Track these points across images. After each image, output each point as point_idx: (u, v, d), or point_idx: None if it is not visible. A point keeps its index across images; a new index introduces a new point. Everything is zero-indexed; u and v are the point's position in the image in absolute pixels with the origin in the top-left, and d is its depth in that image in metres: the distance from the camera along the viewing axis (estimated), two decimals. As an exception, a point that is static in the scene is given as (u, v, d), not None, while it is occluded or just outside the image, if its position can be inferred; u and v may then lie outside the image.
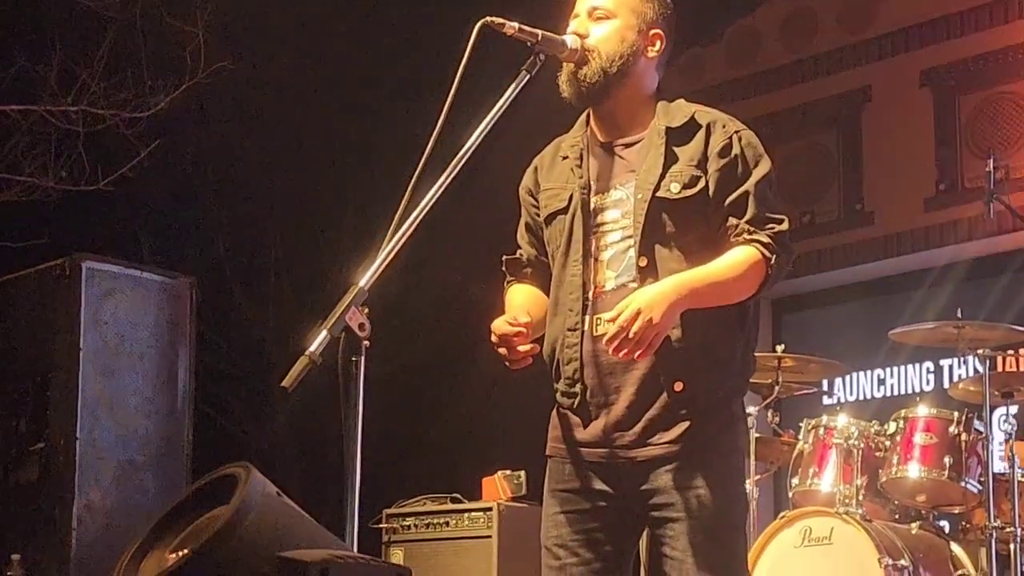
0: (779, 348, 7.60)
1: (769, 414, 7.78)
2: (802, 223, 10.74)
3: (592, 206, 4.07)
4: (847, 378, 10.42)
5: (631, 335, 3.75)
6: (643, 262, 3.97)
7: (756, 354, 7.65)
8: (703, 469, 3.93)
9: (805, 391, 8.07)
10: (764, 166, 4.06)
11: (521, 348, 3.92)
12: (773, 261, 3.94)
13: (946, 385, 9.18)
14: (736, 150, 4.03)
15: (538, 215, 4.22)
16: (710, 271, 3.91)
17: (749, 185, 4.00)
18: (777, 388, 7.59)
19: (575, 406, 4.05)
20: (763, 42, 11.32)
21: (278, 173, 11.78)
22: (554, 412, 4.16)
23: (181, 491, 5.60)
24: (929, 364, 10.26)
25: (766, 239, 3.94)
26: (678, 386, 3.93)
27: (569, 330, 4.04)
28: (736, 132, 4.08)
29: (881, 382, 10.50)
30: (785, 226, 3.99)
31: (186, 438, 7.97)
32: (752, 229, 3.96)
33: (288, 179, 11.80)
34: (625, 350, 3.78)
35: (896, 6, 10.58)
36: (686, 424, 3.94)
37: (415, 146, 3.70)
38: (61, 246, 8.67)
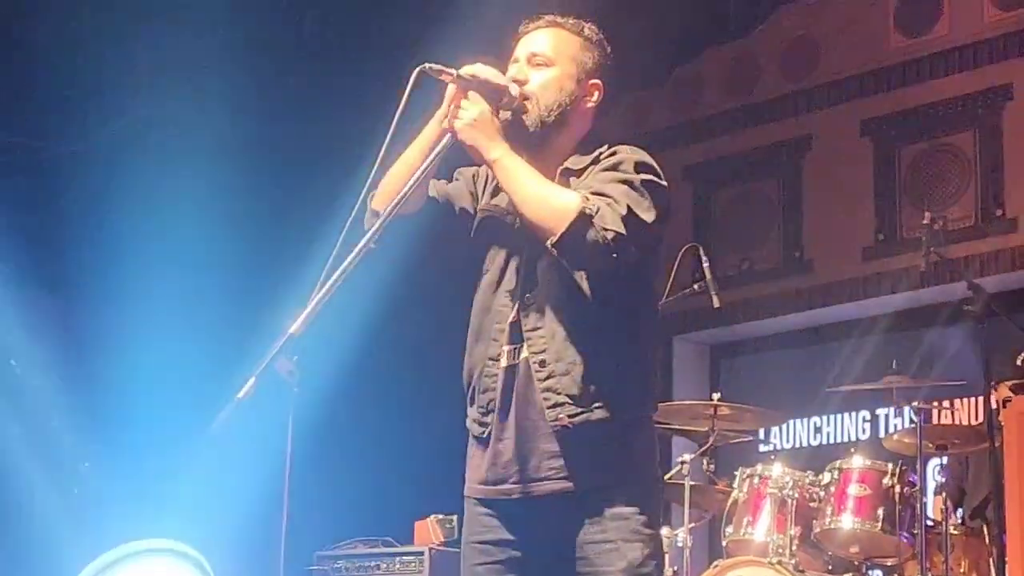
0: (715, 396, 7.60)
1: (704, 462, 7.78)
2: (741, 270, 10.77)
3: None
4: (783, 426, 10.44)
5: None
6: (529, 299, 3.96)
7: (692, 402, 7.76)
8: (605, 513, 3.87)
9: (741, 439, 8.07)
10: (624, 163, 3.94)
11: None
12: (590, 211, 3.75)
13: (881, 434, 9.21)
14: (610, 161, 3.96)
15: (467, 201, 4.15)
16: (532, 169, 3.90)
17: (603, 174, 3.93)
18: (712, 436, 7.58)
19: (484, 435, 4.01)
20: (706, 88, 11.36)
21: (214, 212, 11.68)
22: (469, 445, 4.11)
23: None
24: (865, 413, 10.30)
25: (593, 197, 3.81)
26: (563, 419, 3.88)
27: (491, 359, 4.00)
28: (611, 147, 4.02)
29: (817, 430, 10.54)
30: (623, 208, 3.79)
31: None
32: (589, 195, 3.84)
33: (223, 218, 11.70)
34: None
35: (838, 55, 10.64)
36: (583, 461, 3.88)
37: (349, 188, 3.67)
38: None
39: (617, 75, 4.19)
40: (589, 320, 3.93)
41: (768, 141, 10.97)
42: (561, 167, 4.02)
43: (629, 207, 3.80)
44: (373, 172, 3.70)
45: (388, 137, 3.72)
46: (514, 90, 3.99)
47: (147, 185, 11.11)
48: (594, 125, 4.15)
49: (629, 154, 3.97)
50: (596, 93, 4.12)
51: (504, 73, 4.01)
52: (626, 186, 3.85)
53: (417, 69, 3.79)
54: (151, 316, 9.72)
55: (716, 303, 7.59)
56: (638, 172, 3.91)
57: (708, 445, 7.60)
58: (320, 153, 11.02)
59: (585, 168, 4.00)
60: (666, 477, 7.40)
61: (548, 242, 3.79)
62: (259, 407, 3.43)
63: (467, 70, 3.89)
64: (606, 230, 3.74)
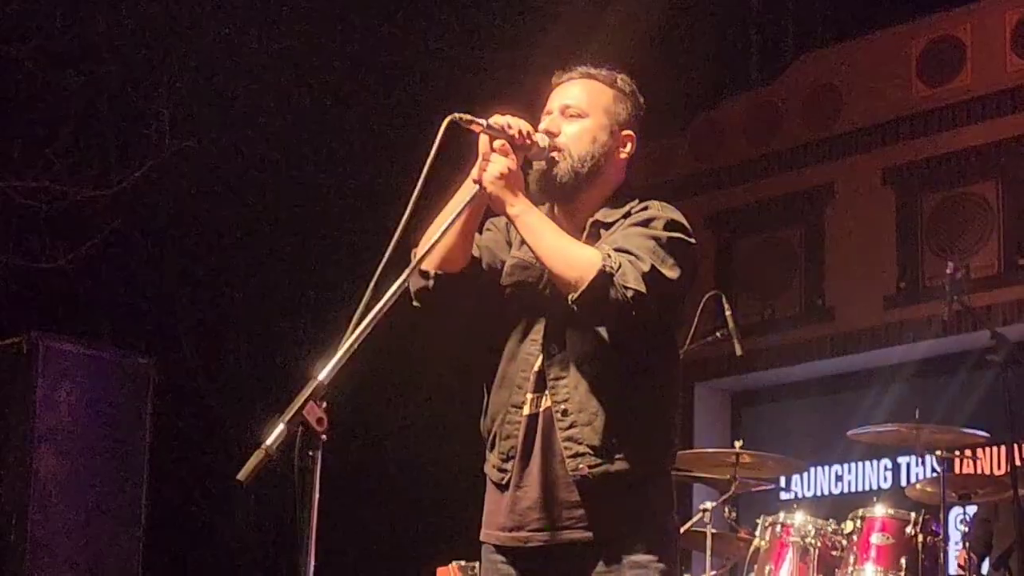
0: (737, 444, 7.57)
1: (726, 509, 7.73)
2: (763, 318, 10.76)
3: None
4: (805, 474, 10.41)
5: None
6: (554, 349, 3.96)
7: (714, 450, 7.73)
8: (624, 561, 3.87)
9: (762, 487, 8.04)
10: (655, 223, 3.94)
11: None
12: (611, 266, 3.76)
13: (903, 483, 9.18)
14: (640, 217, 3.96)
15: (506, 252, 4.14)
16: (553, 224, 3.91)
17: (632, 228, 3.93)
18: (735, 484, 7.55)
19: (504, 482, 4.00)
20: (727, 136, 11.38)
21: (241, 255, 11.74)
22: (487, 491, 4.11)
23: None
24: (887, 462, 10.26)
25: (615, 254, 3.81)
26: (584, 470, 3.89)
27: (514, 407, 4.00)
28: (649, 206, 4.00)
29: (839, 479, 10.50)
30: (646, 266, 3.79)
31: (142, 522, 7.89)
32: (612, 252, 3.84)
33: (251, 260, 11.76)
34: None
35: (860, 105, 10.66)
36: (601, 511, 3.89)
37: (379, 235, 3.67)
38: (18, 323, 8.62)
39: (638, 123, 4.18)
40: (612, 372, 3.93)
41: (790, 189, 10.99)
42: (592, 219, 4.02)
43: (653, 265, 3.80)
44: (404, 220, 3.68)
45: (419, 186, 3.71)
46: (544, 141, 3.98)
47: (171, 228, 11.17)
48: (628, 176, 4.16)
49: (659, 211, 3.97)
50: (629, 144, 4.11)
51: (536, 124, 4.02)
52: (653, 242, 3.86)
53: (447, 119, 3.79)
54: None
55: (739, 351, 7.58)
56: (666, 230, 3.90)
57: (730, 493, 7.55)
58: (351, 200, 11.04)
59: (615, 221, 4.00)
60: (688, 525, 7.38)
61: (569, 298, 3.80)
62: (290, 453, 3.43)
63: (497, 120, 3.89)
64: (626, 288, 3.75)
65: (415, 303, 4.02)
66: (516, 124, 3.90)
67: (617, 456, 3.90)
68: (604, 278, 3.75)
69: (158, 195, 10.93)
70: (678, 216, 3.98)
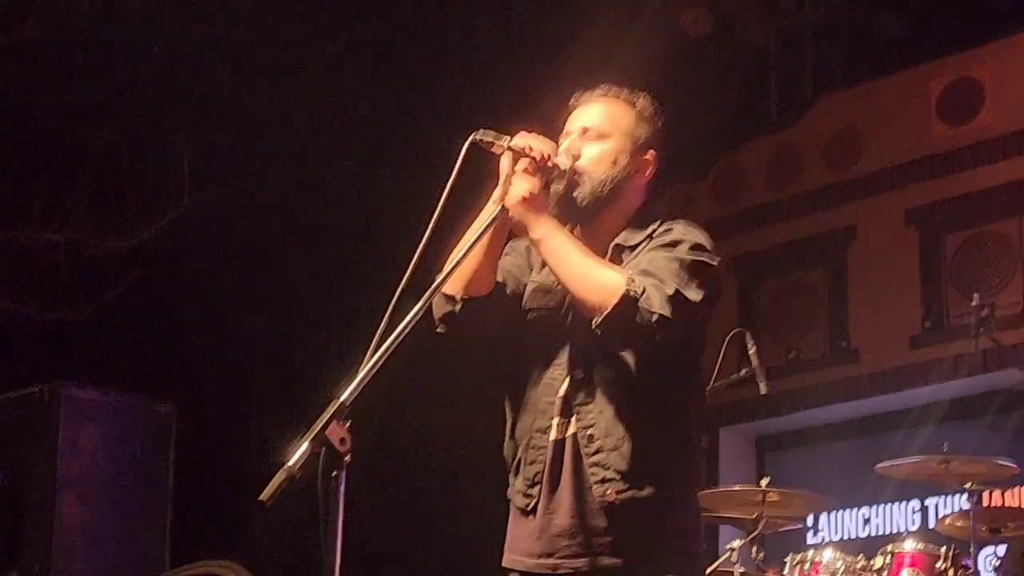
0: (763, 482, 7.50)
1: (753, 550, 7.66)
2: (788, 360, 10.70)
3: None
4: (832, 516, 10.32)
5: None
6: (579, 374, 3.94)
7: (740, 488, 7.67)
8: None
9: (790, 527, 7.97)
10: (681, 245, 3.93)
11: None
12: (635, 291, 3.74)
13: (932, 524, 9.08)
14: (665, 239, 3.95)
15: (527, 275, 4.12)
16: (581, 246, 3.88)
17: (657, 251, 3.92)
18: (762, 523, 7.48)
19: (529, 507, 3.97)
20: (748, 179, 11.36)
21: (262, 300, 11.73)
22: (511, 517, 4.08)
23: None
24: (915, 503, 10.17)
25: (639, 277, 3.80)
26: (611, 496, 3.87)
27: (539, 431, 3.97)
28: (674, 227, 4.01)
29: (866, 521, 10.39)
30: (669, 290, 3.78)
31: (166, 567, 7.86)
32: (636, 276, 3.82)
33: (271, 308, 11.74)
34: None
35: (881, 145, 10.64)
36: (629, 536, 3.87)
37: (399, 267, 3.64)
38: (39, 373, 8.61)
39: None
40: (638, 396, 3.90)
41: (813, 231, 10.95)
42: (614, 242, 4.00)
43: (677, 289, 3.77)
44: (424, 240, 3.65)
45: (440, 206, 3.69)
46: (565, 163, 3.96)
47: (192, 277, 11.17)
48: (648, 198, 4.13)
49: (683, 233, 3.96)
50: (650, 167, 4.10)
51: (557, 144, 4.00)
52: (676, 265, 3.83)
53: (469, 139, 3.77)
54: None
55: (763, 389, 7.53)
56: (691, 252, 3.88)
57: (757, 532, 7.49)
58: (373, 241, 11.02)
59: (639, 244, 3.98)
60: (715, 565, 7.32)
61: (593, 322, 3.78)
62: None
63: (519, 141, 3.87)
64: (651, 312, 3.72)
65: (439, 328, 4.00)
66: (538, 145, 3.88)
67: (644, 481, 3.87)
68: (628, 302, 3.73)
69: (179, 246, 10.92)
70: (702, 237, 3.97)
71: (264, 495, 3.32)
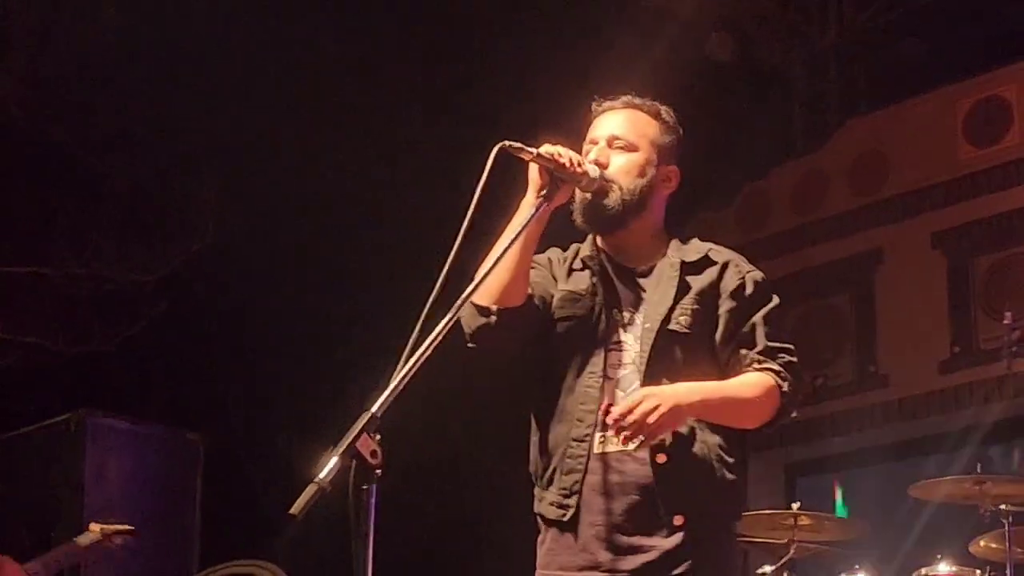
0: (795, 505, 7.44)
1: (784, 574, 7.59)
2: (815, 386, 10.64)
3: (612, 324, 3.98)
4: (864, 541, 10.22)
5: (637, 416, 3.67)
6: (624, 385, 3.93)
7: (771, 511, 7.60)
8: None
9: (821, 550, 7.89)
10: (772, 302, 4.03)
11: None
12: (786, 388, 3.89)
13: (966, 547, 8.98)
14: (748, 289, 4.00)
15: (555, 288, 4.09)
16: (723, 385, 3.87)
17: (758, 318, 3.97)
18: (792, 547, 7.41)
19: (565, 518, 3.92)
20: (774, 206, 11.33)
21: (288, 329, 11.72)
22: (542, 532, 4.03)
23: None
24: (949, 526, 10.05)
25: (778, 367, 3.90)
26: (678, 520, 3.84)
27: (575, 440, 3.92)
28: (748, 272, 4.05)
29: (899, 545, 10.27)
30: (795, 358, 3.95)
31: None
32: (763, 359, 3.91)
33: (295, 337, 11.73)
34: (626, 432, 3.70)
35: (906, 169, 10.59)
36: (682, 557, 3.84)
37: (423, 297, 3.59)
38: (67, 405, 8.60)
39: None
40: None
41: (839, 256, 10.90)
42: (680, 259, 4.02)
43: (791, 361, 3.95)
44: (453, 251, 3.61)
45: (469, 214, 3.66)
46: (594, 172, 3.95)
47: (217, 308, 11.17)
48: (667, 210, 4.14)
49: (762, 281, 4.07)
50: (673, 179, 4.13)
51: (581, 152, 3.98)
52: (773, 327, 3.98)
53: (496, 147, 3.74)
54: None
55: (792, 414, 7.46)
56: (773, 303, 4.02)
57: (788, 556, 7.43)
58: (398, 267, 10.97)
59: (701, 268, 4.02)
60: (747, 590, 7.26)
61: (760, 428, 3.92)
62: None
63: (547, 149, 3.85)
64: (794, 398, 3.93)
65: (470, 344, 3.97)
66: (566, 153, 3.86)
67: (709, 497, 3.87)
68: (783, 410, 3.92)
69: (203, 278, 10.93)
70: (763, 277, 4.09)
71: (295, 508, 3.29)
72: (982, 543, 7.25)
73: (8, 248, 10.21)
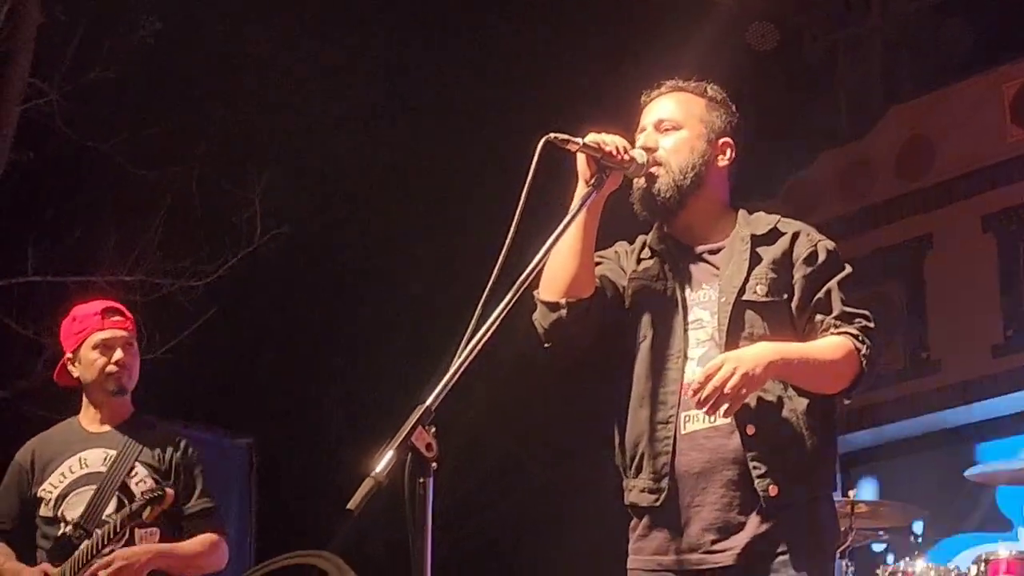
0: (851, 493, 7.40)
1: (843, 564, 7.55)
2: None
3: (685, 304, 3.97)
4: (921, 528, 10.16)
5: (717, 382, 3.64)
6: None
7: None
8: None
9: (878, 539, 7.86)
10: (845, 270, 4.04)
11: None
12: (865, 351, 3.86)
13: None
14: (821, 257, 4.00)
15: (624, 278, 4.07)
16: (804, 346, 3.84)
17: (833, 284, 3.98)
18: (851, 536, 7.38)
19: (658, 503, 3.89)
20: (820, 194, 11.26)
21: (333, 334, 11.73)
22: (634, 521, 4.00)
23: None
24: (1008, 509, 9.99)
25: (856, 331, 3.88)
26: (773, 490, 3.80)
27: (660, 423, 3.89)
28: (819, 240, 4.05)
29: (957, 530, 10.21)
30: (872, 323, 3.94)
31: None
32: (840, 323, 3.90)
33: (344, 339, 11.75)
34: (710, 402, 3.66)
35: (954, 153, 10.52)
36: (780, 530, 3.80)
37: (472, 300, 3.58)
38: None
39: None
40: (799, 394, 3.89)
41: (888, 243, 10.84)
42: (750, 233, 4.00)
43: (866, 326, 3.93)
44: (507, 243, 3.59)
45: (519, 208, 3.64)
46: (643, 157, 3.93)
47: (265, 312, 11.18)
48: (732, 185, 4.12)
49: (833, 248, 4.07)
50: (728, 151, 4.09)
51: (632, 142, 3.96)
52: (845, 290, 3.99)
53: (543, 139, 3.73)
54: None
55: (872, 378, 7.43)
56: (844, 268, 4.04)
57: (846, 545, 7.39)
58: (445, 265, 10.99)
59: (772, 239, 4.00)
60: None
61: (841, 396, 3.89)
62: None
63: (593, 138, 3.83)
64: (874, 363, 3.90)
65: (546, 343, 3.96)
66: (612, 141, 3.85)
67: (803, 474, 3.84)
68: (863, 376, 3.87)
69: (251, 282, 10.95)
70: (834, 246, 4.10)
71: (351, 503, 3.27)
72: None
73: (57, 257, 10.25)
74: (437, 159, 11.31)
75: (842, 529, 7.34)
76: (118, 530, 5.21)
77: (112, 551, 5.23)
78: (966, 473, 7.18)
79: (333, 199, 11.52)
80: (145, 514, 5.23)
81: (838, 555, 7.22)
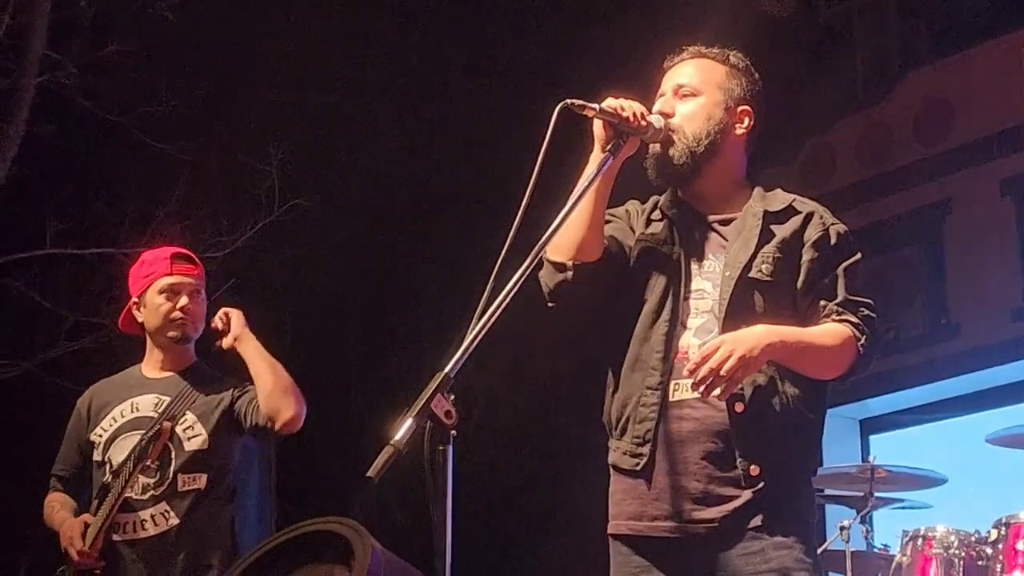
0: (871, 458, 7.41)
1: (863, 528, 7.56)
2: (887, 339, 10.55)
3: (689, 272, 3.96)
4: (941, 492, 10.16)
5: (713, 364, 3.64)
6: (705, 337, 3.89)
7: (848, 465, 7.56)
8: (774, 552, 3.79)
9: (898, 504, 7.86)
10: (855, 256, 4.00)
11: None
12: (863, 342, 3.86)
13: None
14: (832, 240, 3.96)
15: (632, 238, 4.06)
16: (802, 331, 3.83)
17: (840, 270, 3.94)
18: (871, 501, 7.39)
19: (639, 467, 3.89)
20: (839, 160, 11.25)
21: (354, 309, 11.74)
22: (614, 482, 4.00)
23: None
24: (1027, 473, 10.00)
25: (856, 320, 3.87)
26: (754, 470, 3.80)
27: (649, 388, 3.89)
28: (832, 224, 4.01)
29: (978, 495, 10.20)
30: (875, 313, 3.92)
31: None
32: (842, 310, 3.88)
33: (364, 315, 11.75)
34: (705, 384, 3.65)
35: (972, 117, 10.49)
36: (758, 506, 3.81)
37: (490, 251, 3.58)
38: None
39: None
40: (789, 371, 3.88)
41: (907, 208, 10.82)
42: (764, 209, 3.98)
43: (873, 316, 3.92)
44: (521, 210, 3.60)
45: (535, 175, 3.64)
46: (659, 122, 3.93)
47: (284, 285, 11.19)
48: (751, 154, 4.10)
49: (847, 233, 4.03)
50: (747, 119, 4.07)
51: (650, 108, 3.96)
52: (859, 284, 3.96)
53: (559, 106, 3.72)
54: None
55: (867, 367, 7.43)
56: (854, 254, 3.99)
57: (867, 510, 7.41)
58: (465, 238, 10.99)
59: (785, 218, 3.98)
60: (825, 544, 7.23)
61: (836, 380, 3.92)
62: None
63: (610, 103, 3.83)
64: (871, 352, 3.91)
65: (550, 302, 3.95)
66: (629, 106, 3.84)
67: (788, 447, 3.85)
68: (859, 362, 3.90)
69: (270, 253, 10.97)
70: (847, 230, 4.06)
71: (371, 471, 3.28)
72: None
73: (77, 230, 10.28)
74: (459, 126, 11.30)
75: (862, 494, 7.38)
76: (127, 478, 5.16)
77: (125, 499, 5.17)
78: (986, 437, 7.15)
79: (354, 168, 11.52)
80: (149, 453, 5.16)
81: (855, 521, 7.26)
